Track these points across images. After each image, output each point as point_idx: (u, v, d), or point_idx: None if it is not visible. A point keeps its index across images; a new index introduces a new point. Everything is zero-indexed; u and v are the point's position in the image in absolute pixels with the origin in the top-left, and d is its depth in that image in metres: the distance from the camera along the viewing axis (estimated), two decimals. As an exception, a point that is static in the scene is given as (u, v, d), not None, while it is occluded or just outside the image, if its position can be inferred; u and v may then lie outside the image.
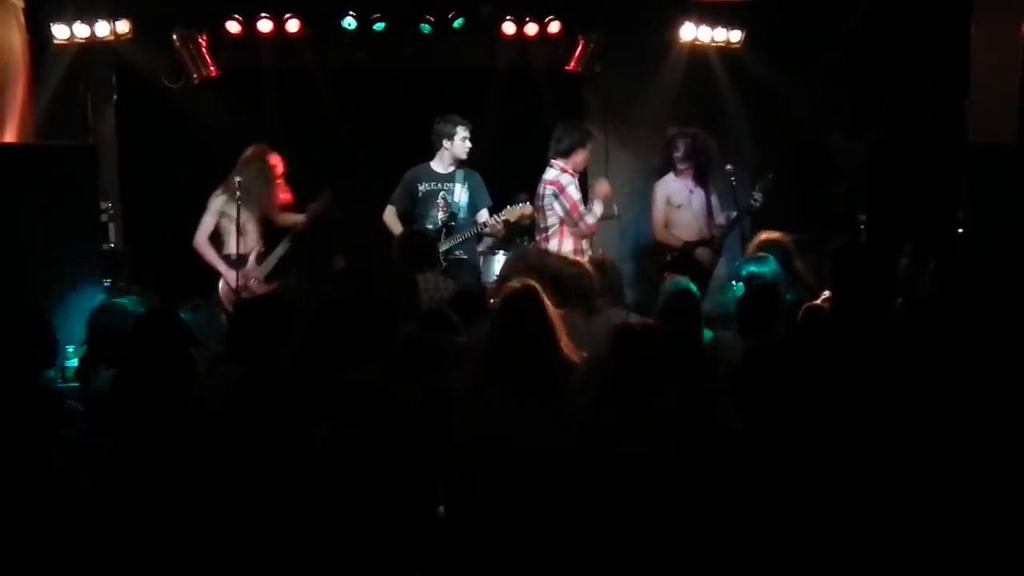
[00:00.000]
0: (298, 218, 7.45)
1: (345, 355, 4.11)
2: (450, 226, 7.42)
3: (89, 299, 6.30)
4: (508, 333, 4.11)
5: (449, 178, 7.51)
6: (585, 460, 3.69)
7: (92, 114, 8.02)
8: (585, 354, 4.25)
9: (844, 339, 3.99)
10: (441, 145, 7.48)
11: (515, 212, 7.40)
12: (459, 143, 7.44)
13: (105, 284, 6.77)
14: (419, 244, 6.50)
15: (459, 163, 7.51)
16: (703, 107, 8.52)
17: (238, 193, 7.09)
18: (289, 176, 7.46)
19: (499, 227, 7.41)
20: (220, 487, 3.39)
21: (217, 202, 7.21)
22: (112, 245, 7.54)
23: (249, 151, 7.27)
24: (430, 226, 7.39)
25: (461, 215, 7.47)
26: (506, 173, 8.09)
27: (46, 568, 3.53)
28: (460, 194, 7.50)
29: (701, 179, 7.61)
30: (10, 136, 7.18)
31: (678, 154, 7.61)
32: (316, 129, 8.43)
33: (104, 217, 7.29)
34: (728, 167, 7.60)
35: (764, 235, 6.35)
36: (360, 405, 3.80)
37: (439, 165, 7.53)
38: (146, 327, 4.92)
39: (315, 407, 3.64)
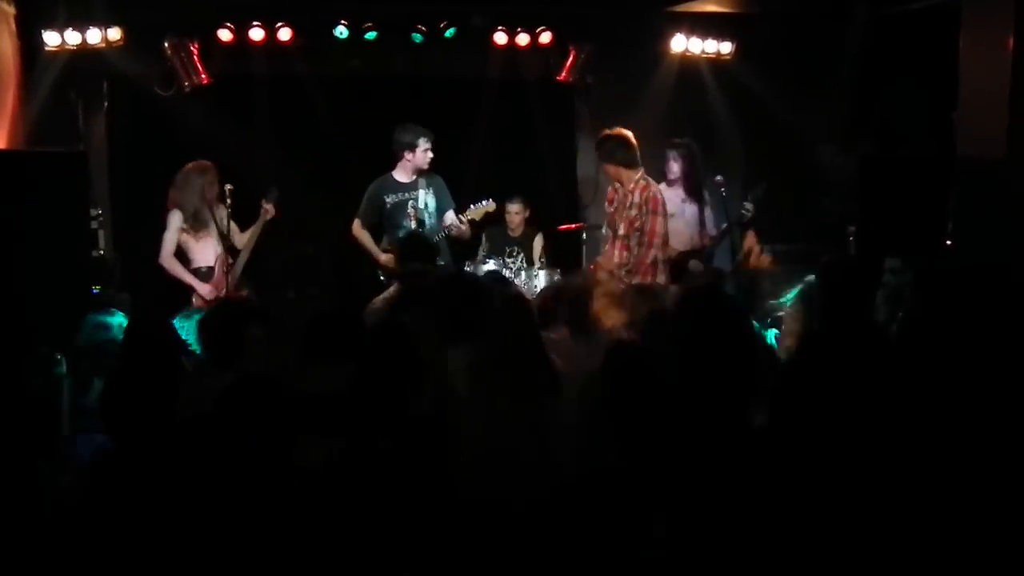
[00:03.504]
0: (249, 233, 7.34)
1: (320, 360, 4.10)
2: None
3: (79, 306, 6.31)
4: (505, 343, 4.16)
5: (413, 186, 7.52)
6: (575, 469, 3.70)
7: (83, 121, 8.02)
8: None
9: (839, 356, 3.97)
10: (403, 156, 7.50)
11: (479, 211, 7.46)
12: (420, 154, 7.45)
13: (94, 291, 6.75)
14: (422, 245, 6.52)
15: (420, 171, 7.52)
16: (694, 118, 8.57)
17: (180, 213, 7.07)
18: (277, 183, 7.43)
19: (464, 228, 7.44)
20: (208, 495, 3.39)
21: (175, 218, 7.14)
22: (102, 252, 7.52)
23: (187, 166, 7.16)
24: (401, 235, 7.34)
25: (429, 221, 7.48)
26: (496, 182, 8.12)
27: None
28: (426, 200, 7.51)
29: (694, 189, 7.63)
30: (1, 142, 7.17)
31: (671, 164, 7.63)
32: (307, 137, 8.44)
33: (94, 224, 7.26)
34: (718, 178, 7.63)
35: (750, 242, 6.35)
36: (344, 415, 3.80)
37: (402, 175, 7.55)
38: (135, 336, 4.92)
39: (300, 418, 3.65)
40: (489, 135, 8.51)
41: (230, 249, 7.22)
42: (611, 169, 6.96)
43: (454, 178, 7.88)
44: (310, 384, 4.02)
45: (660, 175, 7.77)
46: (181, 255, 7.19)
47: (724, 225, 7.60)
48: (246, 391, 3.63)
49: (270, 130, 8.24)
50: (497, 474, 3.98)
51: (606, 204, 7.11)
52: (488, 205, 7.47)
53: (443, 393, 4.16)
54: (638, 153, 6.88)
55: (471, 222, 7.50)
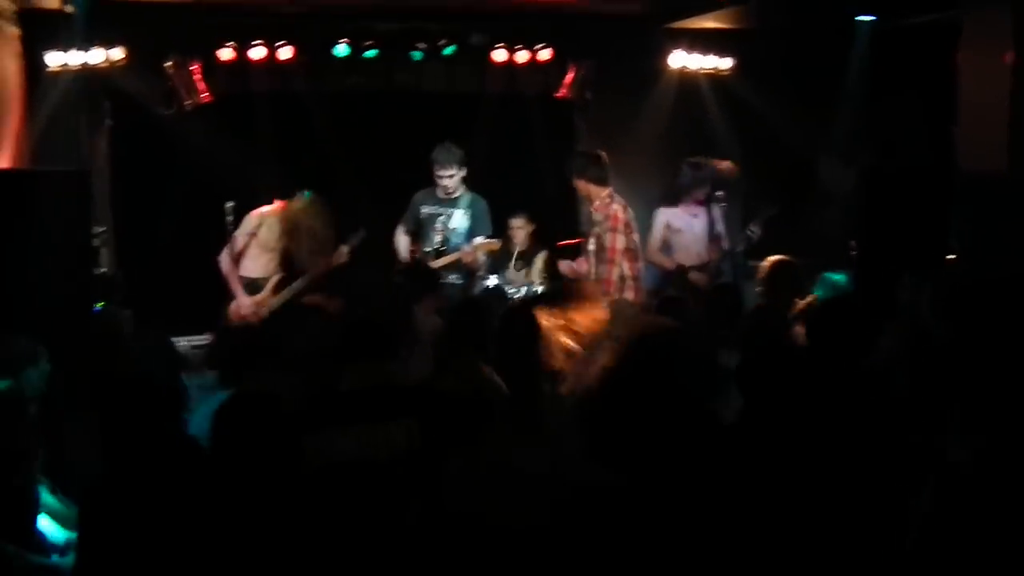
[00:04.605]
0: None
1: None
2: (442, 251, 7.45)
3: (81, 322, 6.32)
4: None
5: (452, 204, 7.55)
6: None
7: (86, 140, 8.03)
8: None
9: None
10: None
11: (484, 246, 7.46)
12: (438, 181, 7.48)
13: (96, 308, 6.76)
14: (418, 271, 6.55)
15: (464, 188, 7.54)
16: (693, 133, 8.59)
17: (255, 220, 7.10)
18: (354, 231, 7.39)
19: (472, 255, 7.44)
20: (207, 512, 3.39)
21: (251, 223, 7.16)
22: (104, 269, 7.53)
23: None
24: (427, 249, 7.45)
25: (456, 240, 7.49)
26: (497, 198, 8.13)
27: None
28: (459, 220, 7.53)
29: (704, 204, 7.64)
30: (4, 162, 7.20)
31: (685, 180, 7.65)
32: (307, 153, 8.47)
33: (97, 241, 7.27)
34: (719, 193, 7.64)
35: (776, 257, 6.31)
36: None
37: (440, 191, 7.57)
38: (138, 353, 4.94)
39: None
40: (489, 151, 8.53)
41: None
42: (581, 185, 7.15)
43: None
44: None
45: (662, 190, 7.82)
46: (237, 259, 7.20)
47: (729, 243, 7.60)
48: (242, 409, 3.65)
49: (271, 147, 8.28)
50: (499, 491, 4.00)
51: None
52: (493, 243, 7.49)
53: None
54: (608, 172, 7.05)
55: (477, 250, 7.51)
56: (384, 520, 3.23)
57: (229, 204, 7.10)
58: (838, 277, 6.28)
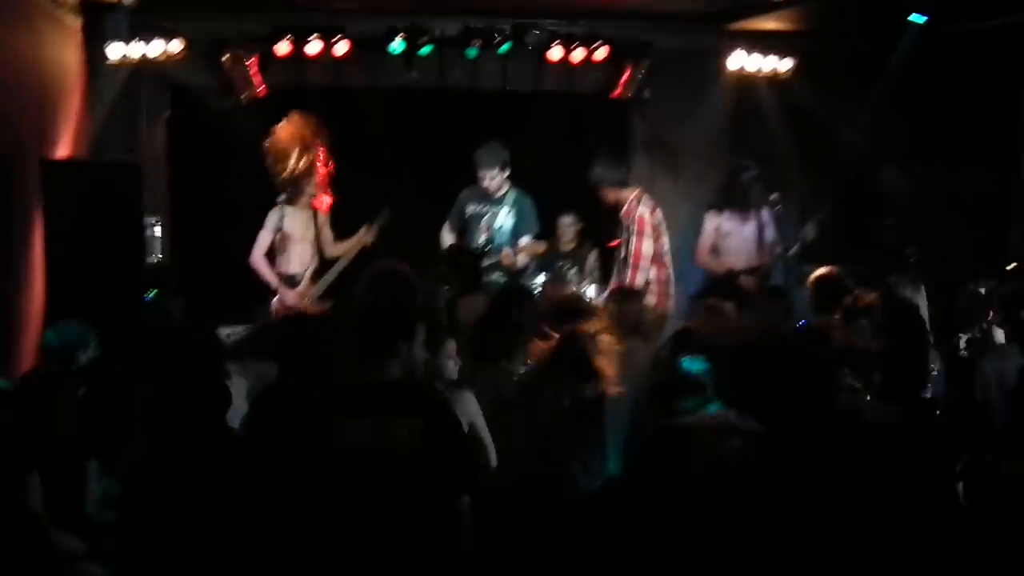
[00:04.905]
0: (350, 243, 7.40)
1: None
2: (487, 250, 7.43)
3: (133, 311, 6.41)
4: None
5: (497, 202, 7.53)
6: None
7: (144, 130, 8.13)
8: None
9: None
10: None
11: (530, 249, 7.44)
12: (480, 181, 7.46)
13: (148, 297, 6.85)
14: (462, 261, 6.53)
15: (509, 186, 7.51)
16: (751, 135, 8.47)
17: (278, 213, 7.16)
18: (335, 197, 7.49)
19: (513, 259, 7.39)
20: (242, 496, 3.41)
21: (274, 217, 7.25)
22: (159, 259, 7.60)
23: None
24: (473, 246, 7.45)
25: (501, 239, 7.47)
26: (549, 197, 8.09)
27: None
28: (504, 218, 7.51)
29: (755, 208, 7.55)
30: (64, 152, 7.31)
31: (731, 184, 7.56)
32: (360, 149, 8.47)
33: (151, 231, 7.36)
34: (774, 196, 7.54)
35: (819, 272, 6.18)
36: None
37: (487, 189, 7.55)
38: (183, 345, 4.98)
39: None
40: (542, 150, 8.48)
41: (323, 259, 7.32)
42: (608, 193, 7.10)
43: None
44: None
45: (714, 192, 7.73)
46: (271, 257, 7.31)
47: (782, 246, 7.50)
48: (280, 399, 3.67)
49: (325, 141, 8.30)
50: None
51: None
52: (537, 246, 7.45)
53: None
54: (628, 172, 7.07)
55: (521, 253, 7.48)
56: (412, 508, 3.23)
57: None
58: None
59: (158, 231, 7.55)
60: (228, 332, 6.17)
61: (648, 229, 6.93)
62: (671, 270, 7.16)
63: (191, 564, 3.44)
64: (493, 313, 5.18)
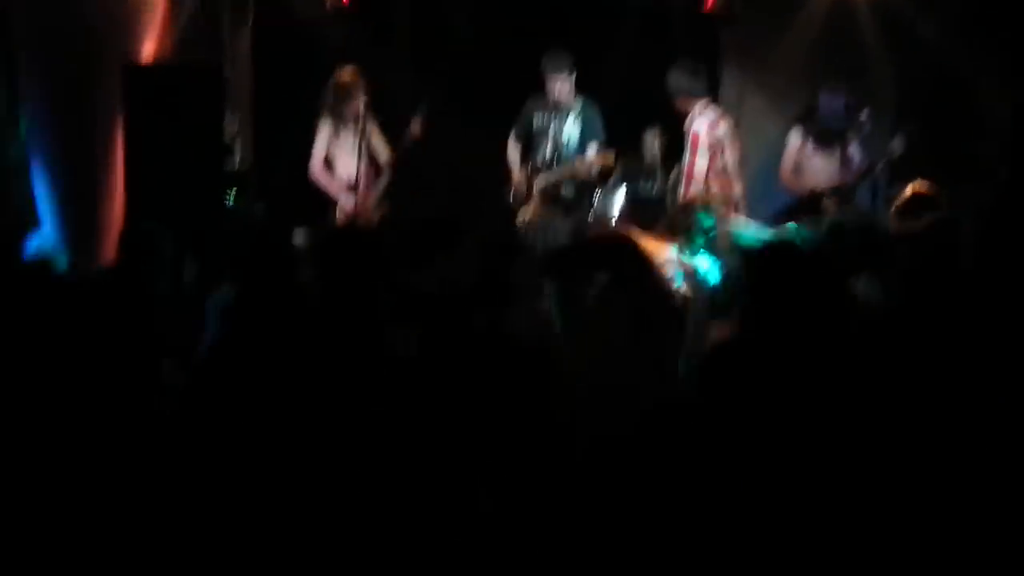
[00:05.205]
0: (392, 151, 7.37)
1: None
2: (554, 161, 7.34)
3: (211, 215, 6.50)
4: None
5: (564, 111, 7.41)
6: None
7: (229, 35, 8.16)
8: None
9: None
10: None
11: (598, 158, 7.29)
12: (549, 84, 7.31)
13: (228, 202, 6.94)
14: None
15: (575, 95, 7.37)
16: (845, 51, 8.17)
17: (328, 118, 7.18)
18: (418, 105, 7.44)
19: (586, 167, 7.26)
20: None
21: (324, 129, 7.29)
22: (240, 163, 7.68)
23: (336, 76, 7.27)
24: (539, 159, 7.35)
25: (568, 151, 7.37)
26: (637, 112, 7.96)
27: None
28: (571, 128, 7.39)
29: (839, 128, 7.32)
30: (148, 55, 7.37)
31: (821, 103, 7.33)
32: (445, 59, 8.43)
33: (231, 136, 7.43)
34: (865, 114, 7.29)
35: (914, 188, 5.91)
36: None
37: (551, 99, 7.43)
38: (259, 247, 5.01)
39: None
40: (630, 63, 8.32)
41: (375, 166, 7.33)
42: (681, 102, 6.99)
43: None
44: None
45: (801, 109, 7.53)
46: (329, 167, 7.35)
47: (867, 163, 7.28)
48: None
49: (409, 51, 8.28)
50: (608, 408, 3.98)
51: None
52: (607, 156, 7.28)
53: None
54: (702, 82, 6.90)
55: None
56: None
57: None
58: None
59: (240, 136, 7.61)
60: (302, 237, 6.23)
61: (701, 147, 6.80)
62: (741, 184, 7.00)
63: (248, 456, 3.50)
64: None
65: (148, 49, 7.40)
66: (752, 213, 7.14)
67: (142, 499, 3.46)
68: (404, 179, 7.53)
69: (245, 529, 3.25)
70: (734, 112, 8.53)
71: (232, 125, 7.41)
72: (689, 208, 5.74)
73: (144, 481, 3.53)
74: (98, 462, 3.60)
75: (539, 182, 7.29)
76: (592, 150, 7.33)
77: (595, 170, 7.35)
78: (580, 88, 7.51)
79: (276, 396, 3.52)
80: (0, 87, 6.80)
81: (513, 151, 7.55)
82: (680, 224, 5.40)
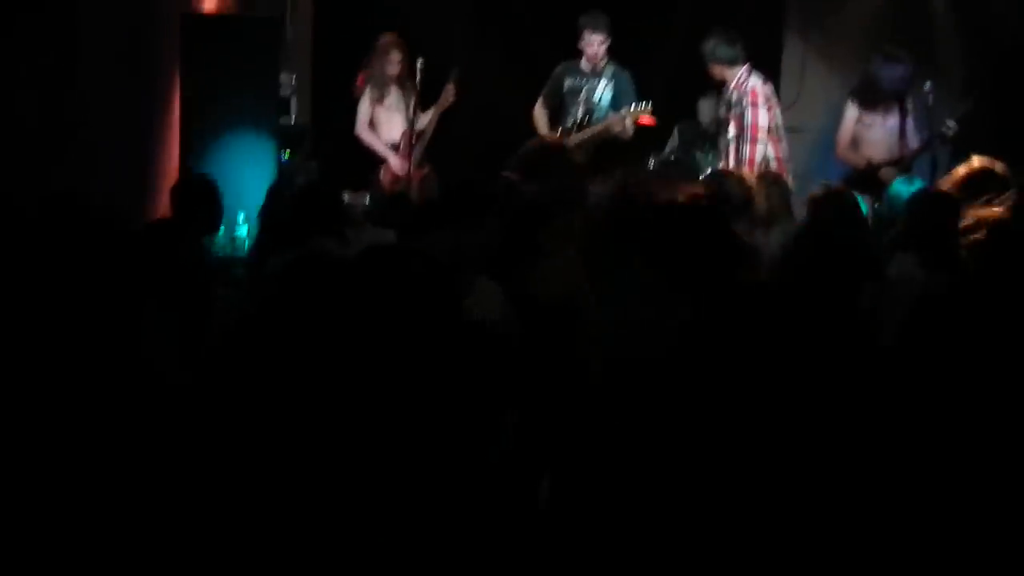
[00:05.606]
0: (431, 113, 7.35)
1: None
2: (585, 123, 7.29)
3: (264, 170, 6.55)
4: None
5: (596, 75, 7.30)
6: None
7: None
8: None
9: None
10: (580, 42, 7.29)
11: (635, 113, 7.13)
12: (586, 45, 7.20)
13: (284, 158, 6.98)
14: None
15: (607, 60, 7.29)
16: (910, 20, 7.99)
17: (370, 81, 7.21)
18: (464, 63, 7.44)
19: (621, 123, 7.14)
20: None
21: (368, 90, 7.32)
22: (295, 119, 7.72)
23: (379, 40, 7.29)
24: (569, 121, 7.28)
25: (599, 114, 7.29)
26: (693, 77, 7.86)
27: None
28: (603, 91, 7.30)
29: (898, 99, 7.17)
30: (210, 6, 7.41)
31: (877, 71, 7.18)
32: (501, 17, 8.38)
33: (288, 91, 7.46)
34: (927, 85, 7.12)
35: (978, 163, 5.69)
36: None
37: (585, 62, 7.33)
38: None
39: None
40: (690, 28, 8.20)
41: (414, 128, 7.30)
42: (716, 69, 6.85)
43: (650, 72, 7.72)
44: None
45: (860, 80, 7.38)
46: (374, 128, 7.36)
47: (926, 137, 7.12)
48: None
49: (472, 12, 8.27)
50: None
51: None
52: (646, 113, 7.11)
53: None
54: (741, 50, 6.74)
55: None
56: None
57: (420, 60, 7.15)
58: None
59: (297, 93, 7.65)
60: (351, 198, 6.26)
61: (761, 99, 6.69)
62: (786, 144, 6.92)
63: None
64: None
65: (209, 0, 7.44)
66: (809, 183, 7.05)
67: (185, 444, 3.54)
68: (443, 141, 7.54)
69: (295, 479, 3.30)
70: (796, 78, 8.45)
71: (289, 81, 7.45)
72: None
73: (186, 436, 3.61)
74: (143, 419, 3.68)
75: (571, 141, 7.21)
76: (630, 109, 7.24)
77: (630, 127, 7.24)
78: (637, 56, 7.45)
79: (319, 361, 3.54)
80: (59, 37, 6.87)
81: (541, 114, 7.48)
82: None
